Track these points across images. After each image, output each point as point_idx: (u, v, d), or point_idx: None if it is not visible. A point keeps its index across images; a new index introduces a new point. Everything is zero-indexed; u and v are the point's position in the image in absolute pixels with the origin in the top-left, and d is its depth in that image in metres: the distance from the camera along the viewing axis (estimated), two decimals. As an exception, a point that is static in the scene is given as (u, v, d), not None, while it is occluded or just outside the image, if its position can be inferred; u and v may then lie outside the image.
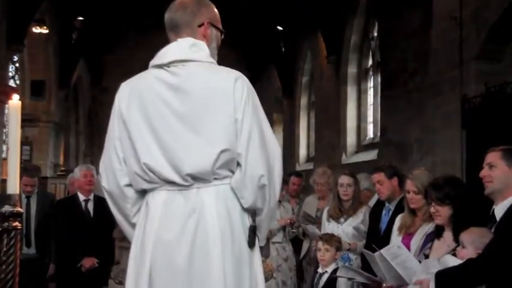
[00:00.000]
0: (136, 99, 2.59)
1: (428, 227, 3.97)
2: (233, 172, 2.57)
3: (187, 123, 2.52)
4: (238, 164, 2.55)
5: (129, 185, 2.63)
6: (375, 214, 4.92)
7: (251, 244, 2.57)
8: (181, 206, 2.52)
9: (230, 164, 2.54)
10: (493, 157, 3.17)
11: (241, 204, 2.57)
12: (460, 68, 7.02)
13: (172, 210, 2.52)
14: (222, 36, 2.80)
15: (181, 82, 2.55)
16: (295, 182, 6.96)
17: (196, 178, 2.51)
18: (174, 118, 2.53)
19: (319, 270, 4.85)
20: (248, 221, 2.60)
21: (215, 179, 2.53)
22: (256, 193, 2.55)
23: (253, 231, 2.58)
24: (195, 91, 2.53)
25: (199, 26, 2.66)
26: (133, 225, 2.67)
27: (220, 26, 2.76)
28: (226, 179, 2.56)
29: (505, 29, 6.50)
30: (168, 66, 2.58)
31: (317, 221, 5.92)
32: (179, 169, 2.51)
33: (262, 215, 2.63)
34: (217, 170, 2.52)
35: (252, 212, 2.61)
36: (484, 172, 3.19)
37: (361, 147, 11.13)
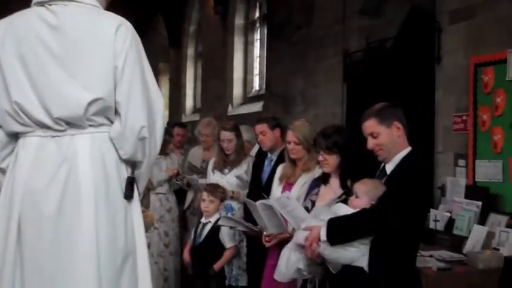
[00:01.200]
0: (12, 36, 2.44)
1: (308, 177, 4.08)
2: (110, 120, 2.47)
3: (63, 66, 2.40)
4: (117, 113, 2.46)
5: None
6: (257, 164, 5.00)
7: (128, 196, 2.50)
8: (53, 153, 2.40)
9: (107, 111, 2.45)
10: (371, 126, 3.19)
11: (118, 155, 2.49)
12: (343, 22, 7.16)
13: (43, 157, 2.40)
14: None
15: (60, 22, 2.41)
16: (179, 132, 6.90)
17: (69, 123, 2.40)
18: (49, 58, 2.40)
19: (203, 220, 4.88)
20: (126, 172, 2.53)
21: (90, 125, 2.43)
22: (136, 145, 2.48)
23: (130, 183, 2.51)
24: (74, 33, 2.41)
25: None
26: (2, 171, 2.53)
27: None
28: (103, 126, 2.46)
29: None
30: (50, 5, 2.44)
31: (202, 172, 5.94)
32: (50, 112, 2.39)
33: (141, 168, 2.57)
34: (92, 116, 2.41)
35: (131, 163, 2.54)
36: (371, 144, 3.21)
37: (247, 98, 11.20)
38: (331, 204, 3.35)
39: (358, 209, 3.07)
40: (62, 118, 2.40)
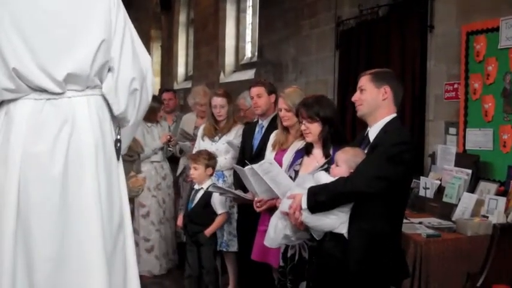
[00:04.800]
0: (3, 2, 2.37)
1: (300, 144, 4.10)
2: (102, 81, 2.49)
3: (62, 23, 2.37)
4: (110, 70, 2.48)
5: None
6: (249, 131, 5.00)
7: (117, 157, 2.56)
8: (52, 115, 2.38)
9: (103, 70, 2.46)
10: (363, 81, 3.26)
11: (110, 116, 2.53)
12: (336, -11, 7.11)
13: (42, 120, 2.38)
14: None
15: None
16: (168, 96, 6.87)
17: (71, 82, 2.39)
18: (46, 18, 2.36)
19: (196, 186, 4.90)
20: (115, 134, 2.56)
21: (88, 87, 2.44)
22: (128, 98, 2.51)
23: (116, 144, 2.56)
24: None
25: None
26: None
27: None
28: (97, 88, 2.48)
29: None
30: None
31: (194, 139, 5.94)
32: (54, 73, 2.36)
33: (127, 126, 2.61)
34: (94, 72, 2.42)
35: (117, 125, 2.58)
36: (356, 96, 3.28)
37: (239, 66, 11.16)
38: (315, 173, 3.38)
39: (337, 178, 3.10)
40: (70, 74, 2.37)
